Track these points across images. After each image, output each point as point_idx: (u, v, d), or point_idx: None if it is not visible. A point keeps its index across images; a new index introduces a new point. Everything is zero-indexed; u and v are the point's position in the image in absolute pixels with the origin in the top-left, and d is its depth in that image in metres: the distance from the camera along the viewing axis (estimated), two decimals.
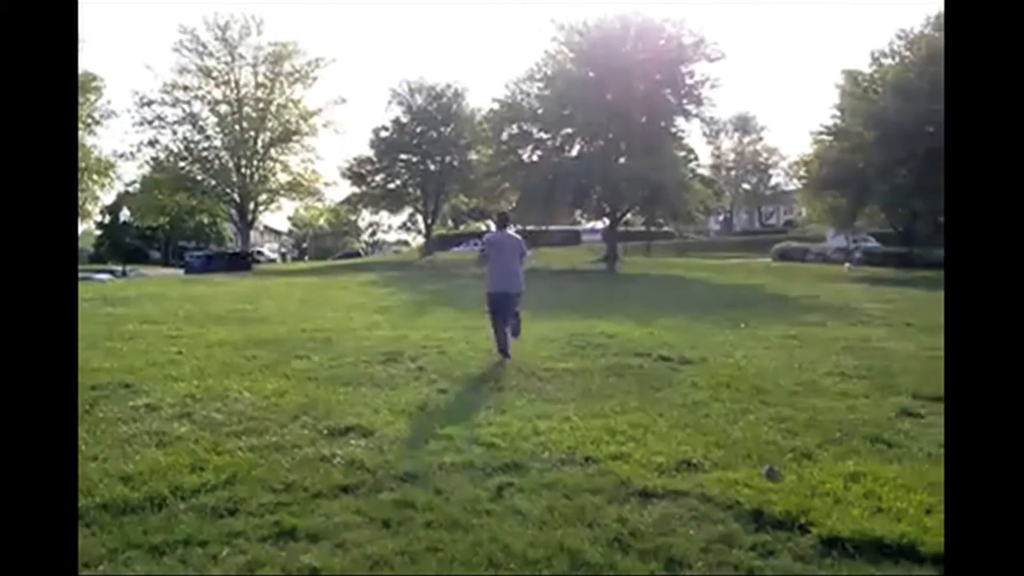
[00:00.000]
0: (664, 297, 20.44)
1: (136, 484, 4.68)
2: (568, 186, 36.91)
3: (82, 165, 47.52)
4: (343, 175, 54.67)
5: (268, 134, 51.81)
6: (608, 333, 11.63)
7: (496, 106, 41.02)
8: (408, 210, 59.67)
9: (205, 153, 51.15)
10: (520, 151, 40.90)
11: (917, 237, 39.25)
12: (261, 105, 51.51)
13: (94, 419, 6.32)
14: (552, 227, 51.98)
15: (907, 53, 38.49)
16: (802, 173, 46.96)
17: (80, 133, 47.52)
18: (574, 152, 40.00)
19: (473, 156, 50.26)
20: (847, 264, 36.83)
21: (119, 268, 47.25)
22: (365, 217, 71.88)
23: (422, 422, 6.33)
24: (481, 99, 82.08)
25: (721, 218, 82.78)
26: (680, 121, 39.49)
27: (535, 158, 40.42)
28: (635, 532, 4.13)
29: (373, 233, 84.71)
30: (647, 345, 10.47)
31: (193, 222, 61.05)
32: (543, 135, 40.10)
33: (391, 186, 55.16)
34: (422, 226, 59.63)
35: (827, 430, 6.20)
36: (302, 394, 7.34)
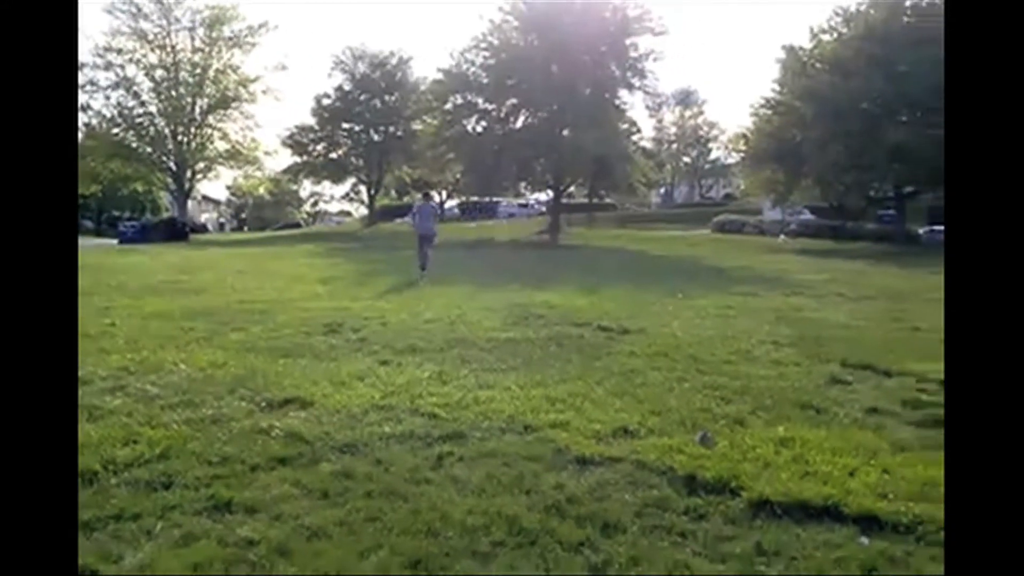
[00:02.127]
0: (605, 268, 20.65)
1: None
2: (513, 157, 36.92)
3: None
4: (283, 144, 53.87)
5: (206, 100, 50.41)
6: (550, 304, 11.73)
7: (440, 76, 40.62)
8: (351, 180, 58.95)
9: (140, 120, 49.56)
10: (465, 121, 40.65)
11: (850, 211, 40.35)
12: (198, 70, 50.02)
13: None
14: (496, 199, 52.01)
15: (844, 30, 39.15)
16: (741, 146, 47.69)
17: None
18: (519, 123, 39.92)
19: (417, 126, 49.77)
20: (782, 236, 37.69)
21: None
22: (306, 187, 70.95)
23: (362, 393, 6.31)
24: (426, 68, 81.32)
25: (662, 191, 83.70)
26: (624, 94, 39.84)
27: (480, 129, 40.25)
28: (571, 498, 4.21)
29: (315, 204, 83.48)
30: (588, 315, 10.59)
31: (127, 191, 59.11)
32: (488, 105, 39.89)
33: (333, 156, 54.52)
34: (365, 197, 59.02)
35: (759, 397, 6.38)
36: (240, 366, 7.25)
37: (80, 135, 48.58)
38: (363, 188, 58.51)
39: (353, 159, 55.02)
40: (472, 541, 3.71)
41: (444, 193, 59.99)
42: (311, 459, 4.77)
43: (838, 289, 14.97)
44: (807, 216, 43.65)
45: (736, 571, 3.49)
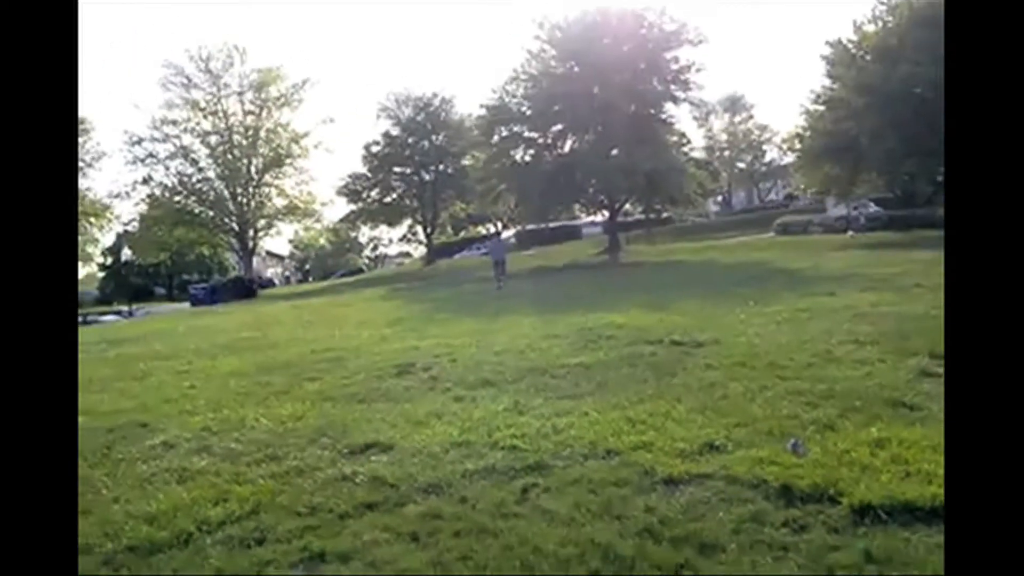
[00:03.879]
0: (670, 282, 20.39)
1: (161, 523, 4.66)
2: (563, 182, 36.95)
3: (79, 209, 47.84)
4: (339, 193, 55.02)
5: (260, 160, 52.09)
6: (617, 324, 11.60)
7: (484, 111, 41.02)
8: (407, 222, 59.72)
9: (200, 185, 51.41)
10: (512, 152, 40.89)
11: (916, 198, 39.12)
12: (250, 132, 51.78)
13: (113, 461, 6.31)
14: (552, 224, 52.00)
15: (889, 18, 38.30)
16: (796, 146, 46.82)
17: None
18: (566, 148, 40.00)
19: (466, 162, 50.37)
20: (850, 232, 36.70)
21: (125, 308, 47.28)
22: (365, 233, 72.04)
23: (440, 432, 6.30)
24: (469, 104, 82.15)
25: (720, 199, 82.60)
26: (669, 107, 39.54)
27: (527, 158, 40.43)
28: (664, 520, 4.11)
29: (374, 248, 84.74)
30: (658, 332, 10.43)
31: (194, 255, 61.21)
32: (533, 134, 40.10)
33: (387, 200, 55.40)
34: (422, 236, 59.69)
35: (847, 399, 6.16)
36: (319, 416, 7.33)
37: (144, 206, 50.59)
38: (419, 228, 59.27)
39: (407, 201, 55.83)
40: (567, 572, 3.64)
41: (500, 224, 60.26)
42: (397, 502, 4.76)
43: (914, 280, 14.45)
44: (873, 209, 42.41)
45: None
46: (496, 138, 40.70)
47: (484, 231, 65.29)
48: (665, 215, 55.01)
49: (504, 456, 5.48)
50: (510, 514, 4.40)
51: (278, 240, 71.18)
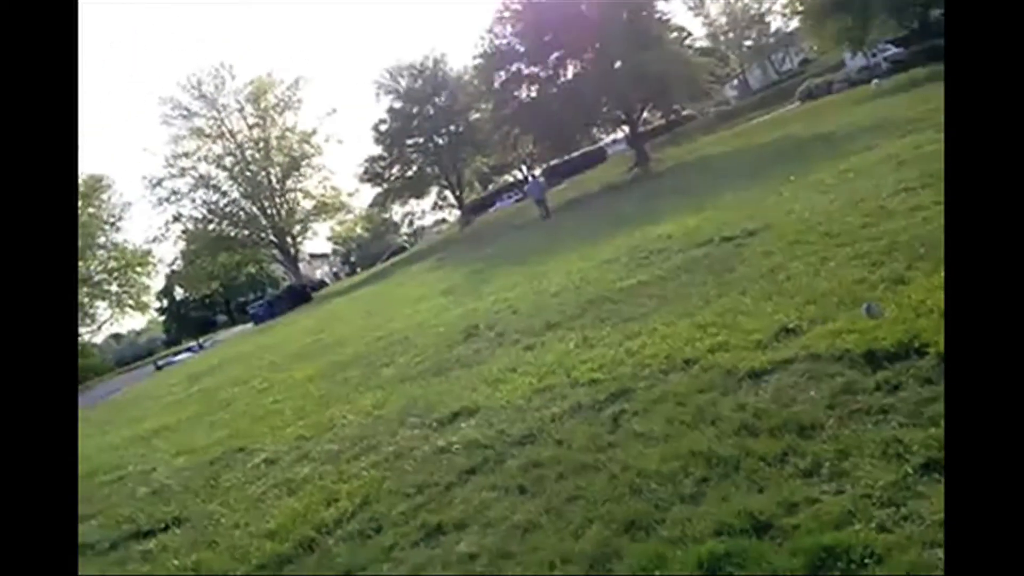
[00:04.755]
0: (705, 180, 20.05)
1: (282, 536, 4.86)
2: (574, 109, 36.36)
3: (121, 262, 49.08)
4: (361, 180, 55.14)
5: (277, 168, 52.40)
6: (665, 234, 11.51)
7: (479, 60, 40.47)
8: (433, 190, 59.70)
9: (228, 208, 51.99)
10: (516, 93, 40.29)
11: (933, 27, 37.48)
12: (260, 144, 52.02)
13: (222, 490, 6.56)
14: (576, 153, 51.37)
15: None
16: (798, 7, 45.15)
17: (107, 231, 48.97)
18: (569, 74, 39.25)
19: (475, 115, 49.82)
20: (874, 81, 35.46)
21: (195, 343, 48.55)
22: (397, 211, 72.15)
23: (519, 383, 6.39)
24: (463, 58, 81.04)
25: (736, 83, 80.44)
26: (661, 5, 38.47)
27: (532, 95, 39.84)
28: (757, 414, 4.13)
29: (410, 223, 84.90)
30: (706, 232, 10.32)
31: (243, 275, 62.19)
32: (533, 69, 39.40)
33: (409, 174, 55.32)
34: (452, 200, 59.66)
35: (910, 249, 6.05)
36: (400, 398, 7.49)
37: (182, 243, 51.57)
38: (447, 193, 59.19)
39: (428, 169, 55.68)
40: (676, 487, 3.69)
41: (525, 167, 59.79)
42: (496, 460, 4.87)
43: None
44: (893, 50, 40.78)
45: None
46: (497, 84, 40.14)
47: (511, 179, 64.90)
48: (685, 113, 53.90)
49: (586, 391, 5.54)
50: (606, 445, 4.46)
51: (317, 241, 72.06)
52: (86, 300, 47.00)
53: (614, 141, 55.73)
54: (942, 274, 5.14)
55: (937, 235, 6.15)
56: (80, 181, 42.53)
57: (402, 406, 7.10)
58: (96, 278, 48.73)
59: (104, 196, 48.56)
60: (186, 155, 50.74)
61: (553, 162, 54.14)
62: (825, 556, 2.83)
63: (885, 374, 4.03)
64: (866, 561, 2.74)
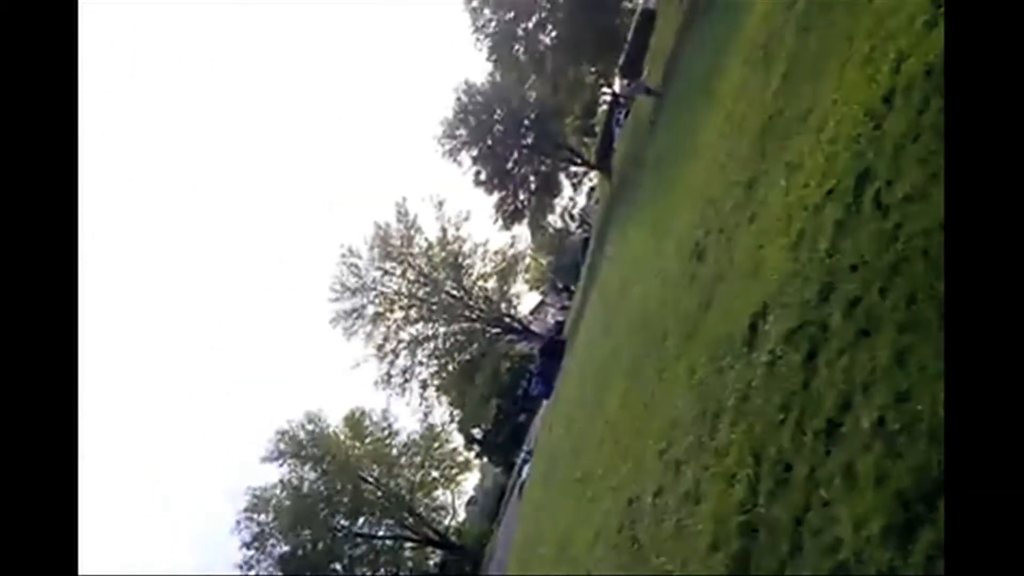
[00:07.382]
0: None
1: None
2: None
3: (435, 475, 56.71)
4: (505, 227, 53.08)
5: (471, 276, 52.86)
6: None
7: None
8: (560, 176, 58.03)
9: (447, 343, 52.90)
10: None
11: None
12: (442, 267, 52.04)
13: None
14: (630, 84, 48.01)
15: None
16: None
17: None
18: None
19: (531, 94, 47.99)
20: None
21: (524, 453, 49.59)
22: (551, 221, 70.77)
23: None
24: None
25: None
26: None
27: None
28: None
29: (570, 216, 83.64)
30: None
31: (505, 371, 62.69)
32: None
33: (529, 184, 52.91)
34: (582, 167, 57.92)
35: None
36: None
37: (434, 389, 53.79)
38: (572, 169, 57.44)
39: (521, 168, 52.06)
40: None
41: (606, 87, 56.29)
42: None
43: None
44: None
45: None
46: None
47: (605, 103, 59.50)
48: None
49: None
50: None
51: (529, 298, 72.78)
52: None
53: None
54: None
55: None
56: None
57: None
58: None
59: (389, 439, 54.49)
60: (385, 340, 51.26)
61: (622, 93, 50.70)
62: None
63: None
64: None
